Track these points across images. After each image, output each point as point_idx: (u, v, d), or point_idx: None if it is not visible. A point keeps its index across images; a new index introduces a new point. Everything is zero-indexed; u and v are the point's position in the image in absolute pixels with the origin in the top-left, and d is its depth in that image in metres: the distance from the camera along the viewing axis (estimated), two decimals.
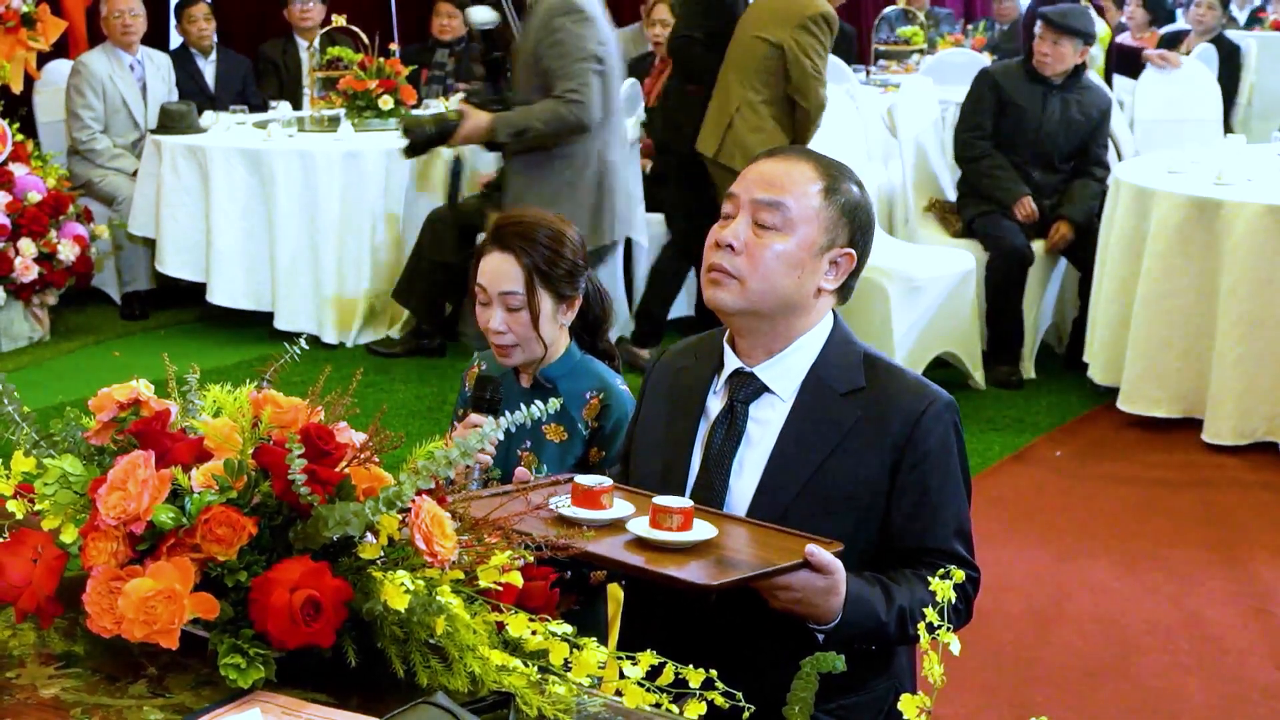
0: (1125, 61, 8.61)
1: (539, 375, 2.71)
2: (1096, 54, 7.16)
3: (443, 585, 1.69)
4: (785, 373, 2.23)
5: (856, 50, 10.53)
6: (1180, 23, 10.21)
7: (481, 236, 2.88)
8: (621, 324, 6.53)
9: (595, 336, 2.79)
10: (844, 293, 2.26)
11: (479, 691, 1.65)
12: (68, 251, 6.51)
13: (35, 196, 6.44)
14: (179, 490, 1.70)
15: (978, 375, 6.02)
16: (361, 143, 6.61)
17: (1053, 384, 6.14)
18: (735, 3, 6.03)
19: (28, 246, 6.39)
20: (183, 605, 1.63)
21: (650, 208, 6.61)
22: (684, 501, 2.02)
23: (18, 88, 6.71)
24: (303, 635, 1.63)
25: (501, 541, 1.80)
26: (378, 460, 1.77)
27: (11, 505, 1.82)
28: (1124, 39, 9.34)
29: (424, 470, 1.71)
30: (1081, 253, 6.12)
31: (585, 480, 2.08)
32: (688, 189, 6.07)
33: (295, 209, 6.49)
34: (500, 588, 1.75)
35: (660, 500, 2.01)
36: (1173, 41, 8.93)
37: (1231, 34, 9.51)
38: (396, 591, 1.64)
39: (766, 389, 2.23)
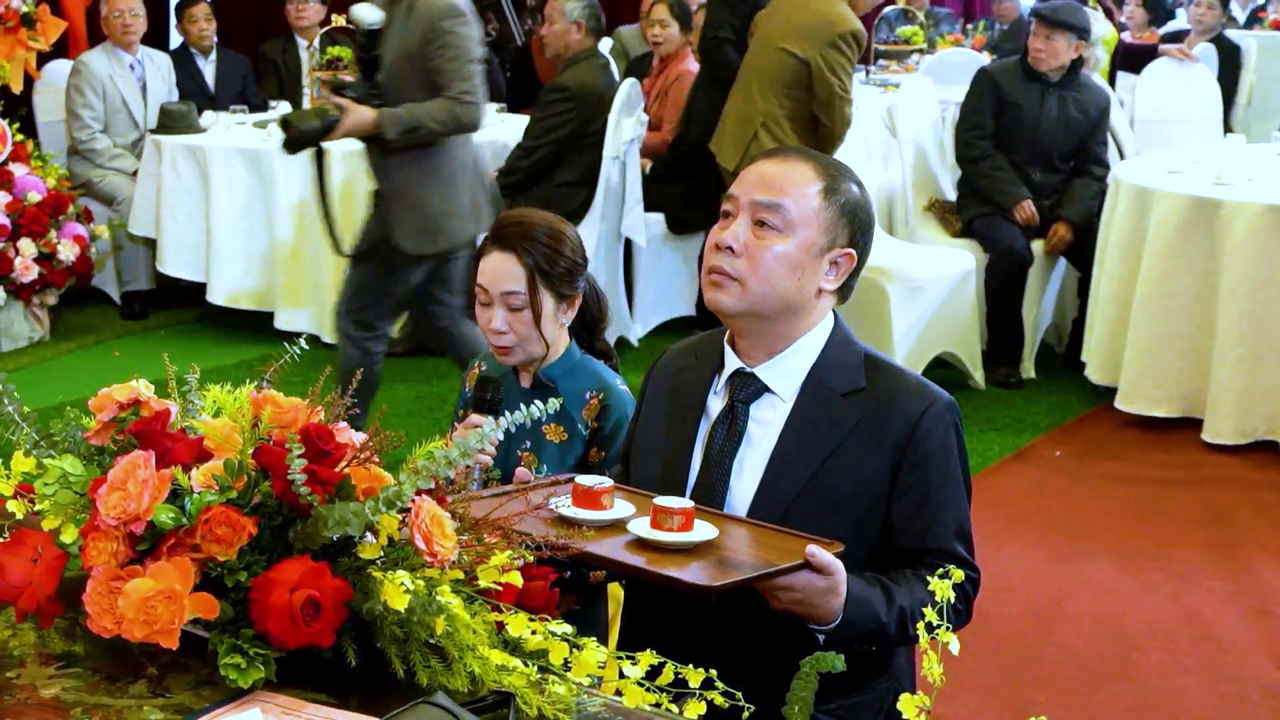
0: (1131, 59, 8.61)
1: (539, 375, 2.72)
2: (1101, 56, 7.14)
3: (442, 585, 1.69)
4: (786, 373, 2.23)
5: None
6: (1180, 22, 10.21)
7: (483, 236, 2.88)
8: (621, 324, 6.53)
9: (593, 336, 2.79)
10: (844, 292, 2.26)
11: (479, 691, 1.65)
12: (68, 251, 6.51)
13: (35, 196, 6.44)
14: (179, 490, 1.70)
15: (977, 375, 6.02)
16: (360, 142, 6.59)
17: (1052, 384, 6.14)
18: (763, 3, 6.01)
19: (28, 246, 6.39)
20: (183, 605, 1.63)
21: (650, 208, 6.62)
22: (685, 502, 2.02)
23: (18, 88, 6.71)
24: (303, 635, 1.63)
25: (501, 541, 1.81)
26: (378, 460, 1.77)
27: (12, 505, 1.82)
28: (1124, 38, 9.34)
29: (424, 470, 1.71)
30: (1081, 253, 6.12)
31: (586, 480, 2.08)
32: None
33: (295, 208, 6.49)
34: (500, 588, 1.75)
35: (661, 501, 2.01)
36: (1173, 41, 8.93)
37: (1231, 34, 9.51)
38: (396, 591, 1.64)
39: (767, 389, 2.23)
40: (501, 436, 1.77)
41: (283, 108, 7.35)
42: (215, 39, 8.07)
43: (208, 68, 8.01)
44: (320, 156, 4.81)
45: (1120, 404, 5.59)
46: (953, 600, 1.76)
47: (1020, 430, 5.60)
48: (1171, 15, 10.56)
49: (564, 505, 2.08)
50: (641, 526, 2.01)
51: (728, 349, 2.27)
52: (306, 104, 7.57)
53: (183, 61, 7.96)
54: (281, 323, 6.52)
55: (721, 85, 6.15)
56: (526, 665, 1.66)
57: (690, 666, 1.69)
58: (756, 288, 2.18)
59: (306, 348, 1.93)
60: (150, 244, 6.91)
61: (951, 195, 6.60)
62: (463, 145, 4.76)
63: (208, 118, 7.09)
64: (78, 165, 7.14)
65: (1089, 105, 6.16)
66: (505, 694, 1.63)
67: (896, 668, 2.27)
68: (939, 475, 2.18)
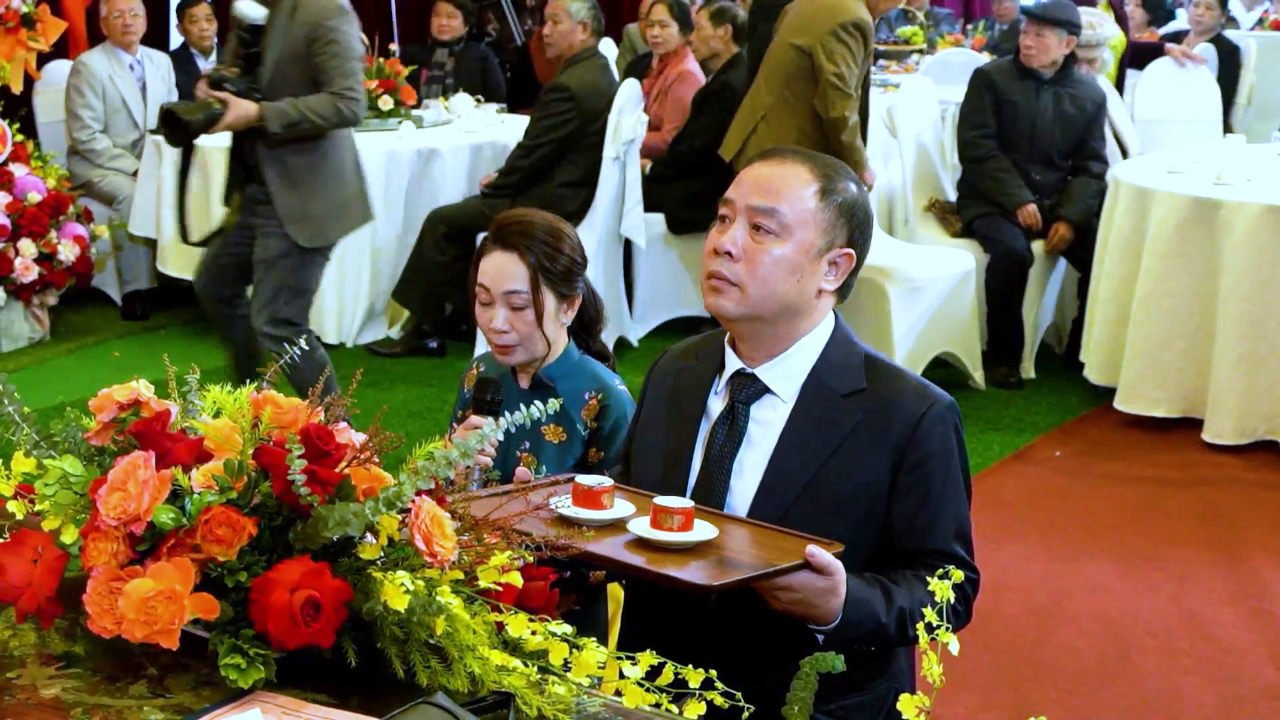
0: (1139, 56, 8.60)
1: (538, 376, 2.72)
2: (1108, 59, 7.11)
3: (442, 585, 1.69)
4: (786, 374, 2.23)
5: None
6: (1181, 22, 10.21)
7: (483, 236, 2.89)
8: (621, 325, 6.53)
9: (590, 337, 2.79)
10: (843, 291, 2.26)
11: (479, 691, 1.65)
12: (68, 252, 6.51)
13: (35, 197, 6.44)
14: (179, 491, 1.70)
15: (977, 375, 6.03)
16: (361, 143, 6.57)
17: (1052, 384, 6.14)
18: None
19: (28, 247, 6.39)
20: (183, 605, 1.63)
21: (650, 208, 6.62)
22: (685, 502, 2.02)
23: (18, 88, 6.71)
24: (303, 635, 1.63)
25: (501, 542, 1.81)
26: (378, 461, 1.77)
27: (12, 506, 1.82)
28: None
29: (424, 471, 1.71)
30: (1081, 253, 6.12)
31: (586, 480, 2.08)
32: None
33: None
34: (500, 588, 1.75)
35: (661, 500, 2.01)
36: (1173, 42, 8.93)
37: (1231, 34, 9.51)
38: (396, 592, 1.64)
39: (768, 390, 2.23)
40: (501, 437, 1.77)
41: None
42: (215, 39, 8.07)
43: (207, 68, 8.00)
44: (190, 151, 4.87)
45: (1120, 404, 5.59)
46: (952, 601, 1.76)
47: (1020, 430, 5.60)
48: (1171, 15, 10.56)
49: (564, 505, 2.08)
50: (641, 526, 2.01)
51: (728, 350, 2.27)
52: None
53: (183, 62, 7.95)
54: None
55: None
56: (526, 665, 1.66)
57: (690, 667, 1.69)
58: (756, 292, 2.17)
59: (306, 348, 1.93)
60: (150, 244, 6.91)
61: (952, 195, 6.60)
62: (347, 141, 4.89)
63: None
64: (78, 165, 7.14)
65: (1084, 101, 6.17)
66: (505, 694, 1.63)
67: (896, 668, 2.27)
68: (939, 476, 2.18)
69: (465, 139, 6.89)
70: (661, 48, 7.48)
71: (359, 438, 1.79)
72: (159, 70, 7.54)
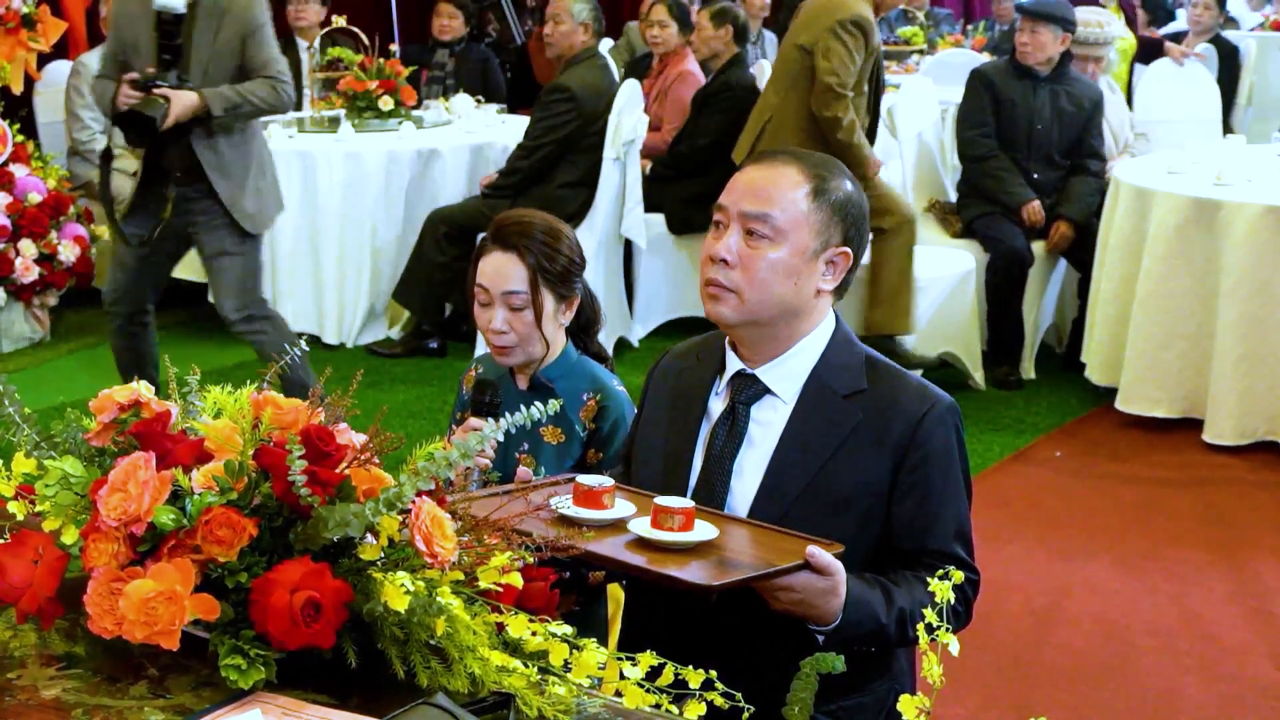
0: (1149, 52, 8.60)
1: (536, 377, 2.71)
2: (1115, 60, 7.10)
3: (443, 586, 1.69)
4: (787, 374, 2.23)
5: None
6: (1181, 23, 10.21)
7: (482, 237, 2.89)
8: (621, 325, 6.53)
9: (588, 338, 2.79)
10: (842, 289, 2.26)
11: (479, 692, 1.65)
12: (68, 252, 6.51)
13: (36, 197, 6.44)
14: (179, 491, 1.70)
15: (978, 375, 6.02)
16: (362, 143, 6.62)
17: (1053, 384, 6.14)
18: None
19: (28, 247, 6.39)
20: (183, 606, 1.63)
21: (650, 208, 6.62)
22: (685, 502, 2.02)
23: (18, 89, 6.71)
24: (303, 636, 1.63)
25: (501, 542, 1.81)
26: (378, 461, 1.77)
27: (13, 506, 1.82)
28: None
29: (424, 471, 1.71)
30: (1081, 253, 6.12)
31: (587, 480, 2.08)
32: None
33: (295, 210, 6.47)
34: (500, 589, 1.75)
35: (661, 500, 2.01)
36: (1172, 42, 8.93)
37: (1230, 34, 9.51)
38: (397, 592, 1.64)
39: (768, 390, 2.23)
40: (501, 437, 1.77)
41: None
42: None
43: None
44: (109, 158, 4.99)
45: (1120, 404, 5.59)
46: (952, 601, 1.76)
47: (1020, 430, 5.60)
48: (1171, 16, 10.56)
49: (565, 505, 2.08)
50: (642, 526, 2.01)
51: (729, 350, 2.28)
52: (307, 105, 7.57)
53: None
54: None
55: None
56: (527, 666, 1.66)
57: (690, 667, 1.69)
58: (753, 297, 2.17)
59: (307, 348, 1.93)
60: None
61: (952, 195, 6.60)
62: (260, 133, 5.10)
63: None
64: (78, 166, 7.14)
65: (1081, 98, 6.17)
66: (505, 695, 1.63)
67: (896, 669, 2.28)
68: (939, 477, 2.18)
69: (465, 139, 6.89)
70: (661, 48, 7.48)
71: (359, 438, 1.79)
72: None
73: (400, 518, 1.71)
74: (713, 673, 1.69)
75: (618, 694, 1.70)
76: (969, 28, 11.87)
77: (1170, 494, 5.02)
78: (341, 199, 6.48)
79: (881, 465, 2.17)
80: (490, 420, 1.79)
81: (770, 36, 10.06)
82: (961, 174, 6.50)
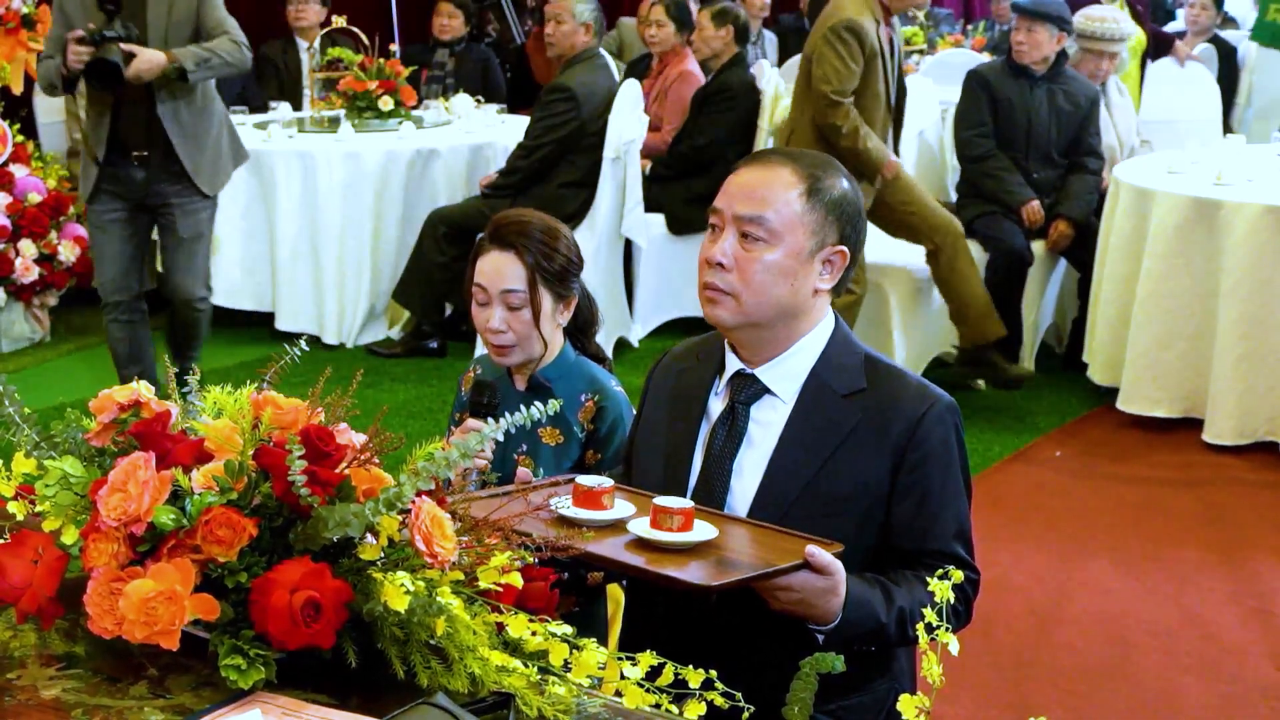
0: (1156, 47, 8.60)
1: (534, 378, 2.71)
2: (1126, 59, 7.06)
3: (443, 586, 1.69)
4: (786, 374, 2.23)
5: None
6: (1180, 23, 10.21)
7: (479, 236, 2.89)
8: (621, 325, 6.53)
9: (585, 340, 2.79)
10: (840, 287, 2.26)
11: (479, 692, 1.65)
12: (68, 252, 6.51)
13: (35, 197, 6.44)
14: (179, 491, 1.70)
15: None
16: (362, 143, 6.62)
17: (1053, 384, 6.14)
18: None
19: (28, 247, 6.39)
20: (183, 606, 1.63)
21: (650, 208, 6.62)
22: (684, 502, 2.02)
23: (18, 89, 6.71)
24: (303, 636, 1.63)
25: (501, 543, 1.81)
26: (378, 461, 1.77)
27: (12, 506, 1.83)
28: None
29: (424, 471, 1.71)
30: (1081, 253, 6.12)
31: (586, 481, 2.09)
32: None
33: (295, 210, 6.49)
34: (500, 589, 1.75)
35: (661, 501, 2.01)
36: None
37: (1229, 35, 9.50)
38: (397, 592, 1.64)
39: (768, 390, 2.23)
40: (501, 437, 1.77)
41: (283, 109, 7.35)
42: None
43: None
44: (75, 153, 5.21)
45: (1121, 404, 5.59)
46: (952, 601, 1.76)
47: (1020, 430, 5.60)
48: (1171, 16, 10.56)
49: (564, 505, 2.08)
50: (641, 526, 2.01)
51: (728, 350, 2.28)
52: (307, 106, 7.58)
53: None
54: (282, 323, 6.53)
55: None
56: (527, 666, 1.66)
57: (690, 667, 1.69)
58: (750, 300, 2.18)
59: (307, 348, 1.93)
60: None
61: (952, 195, 6.60)
62: (222, 106, 5.29)
63: None
64: (78, 166, 7.14)
65: (1078, 96, 6.17)
66: (505, 695, 1.63)
67: (896, 668, 2.28)
68: (939, 476, 2.18)
69: (465, 139, 6.90)
70: (658, 47, 7.48)
71: (359, 438, 1.79)
72: None
73: (400, 518, 1.71)
74: (712, 672, 1.70)
75: (618, 694, 1.70)
76: (969, 28, 11.87)
77: (1170, 494, 5.02)
78: (341, 199, 6.48)
79: (881, 465, 2.17)
80: (491, 422, 1.79)
81: (770, 36, 10.06)
82: (960, 174, 6.50)
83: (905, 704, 1.59)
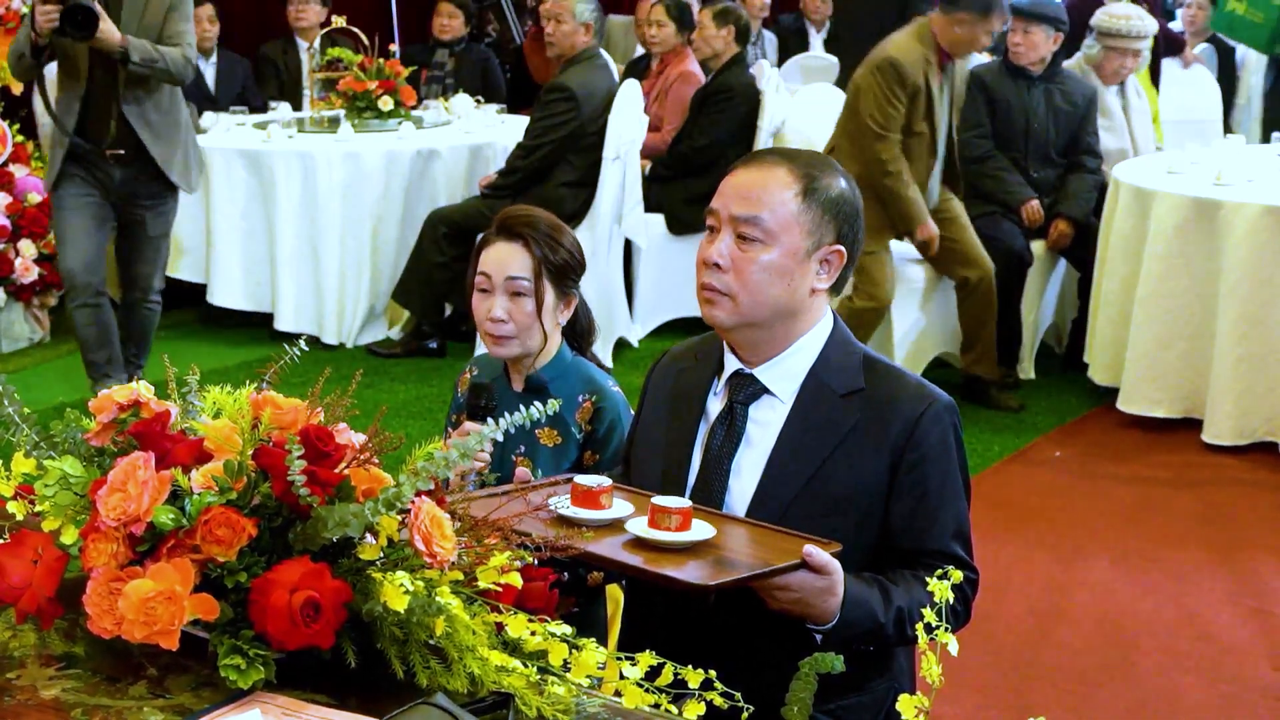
0: (1168, 46, 8.59)
1: (531, 378, 2.71)
2: (1147, 57, 7.00)
3: (442, 586, 1.70)
4: (785, 374, 2.23)
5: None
6: (1180, 23, 10.20)
7: (481, 236, 2.89)
8: (621, 325, 6.53)
9: (582, 348, 2.79)
10: (838, 287, 2.26)
11: (478, 692, 1.65)
12: None
13: (35, 198, 6.44)
14: (179, 491, 1.70)
15: None
16: (361, 144, 6.62)
17: (1053, 384, 6.14)
18: None
19: (28, 248, 6.39)
20: (183, 606, 1.63)
21: (650, 208, 6.62)
22: (682, 501, 2.02)
23: (18, 89, 6.71)
24: (302, 636, 1.63)
25: (501, 543, 1.81)
26: (377, 461, 1.77)
27: (12, 506, 1.83)
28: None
29: (423, 471, 1.71)
30: (1081, 253, 6.12)
31: (585, 480, 2.09)
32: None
33: (295, 210, 6.49)
34: (499, 588, 1.75)
35: (659, 500, 2.01)
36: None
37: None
38: (396, 592, 1.64)
39: (766, 390, 2.23)
40: (501, 437, 1.77)
41: (283, 109, 7.35)
42: (217, 41, 8.08)
43: (208, 69, 8.01)
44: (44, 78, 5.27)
45: (1121, 405, 5.59)
46: (951, 601, 1.76)
47: (1020, 430, 5.60)
48: (1171, 16, 10.55)
49: (563, 505, 2.08)
50: (639, 526, 2.01)
51: (727, 350, 2.28)
52: (307, 106, 7.58)
53: None
54: (281, 323, 6.53)
55: None
56: (526, 666, 1.66)
57: (689, 667, 1.69)
58: (747, 300, 2.18)
59: (306, 349, 1.93)
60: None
61: None
62: (184, 102, 5.42)
63: (208, 119, 7.09)
64: None
65: (1075, 96, 6.17)
66: (505, 695, 1.63)
67: (896, 668, 2.28)
68: (937, 476, 2.18)
69: (465, 139, 6.90)
70: (658, 47, 7.48)
71: (359, 438, 1.79)
72: None
73: (399, 518, 1.71)
74: (711, 673, 1.70)
75: (617, 694, 1.70)
76: None
77: (1170, 494, 5.02)
78: (341, 199, 6.48)
79: (879, 464, 2.17)
80: (490, 422, 1.79)
81: (770, 37, 10.05)
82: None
83: (904, 704, 1.59)
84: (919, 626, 1.67)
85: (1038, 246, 6.12)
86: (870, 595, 2.09)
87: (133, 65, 4.96)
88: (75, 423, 1.84)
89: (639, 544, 1.99)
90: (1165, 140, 7.24)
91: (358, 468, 1.74)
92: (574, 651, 1.69)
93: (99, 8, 4.84)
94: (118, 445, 1.81)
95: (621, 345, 6.51)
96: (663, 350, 2.49)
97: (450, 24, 8.69)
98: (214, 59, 8.04)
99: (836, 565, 2.01)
